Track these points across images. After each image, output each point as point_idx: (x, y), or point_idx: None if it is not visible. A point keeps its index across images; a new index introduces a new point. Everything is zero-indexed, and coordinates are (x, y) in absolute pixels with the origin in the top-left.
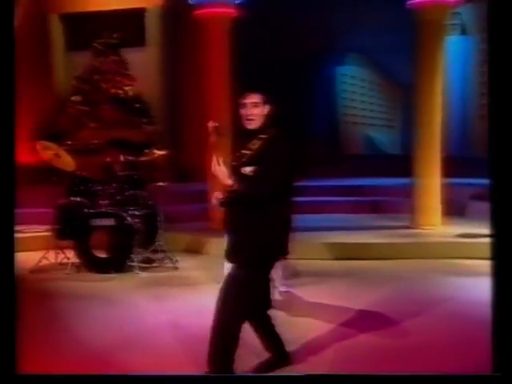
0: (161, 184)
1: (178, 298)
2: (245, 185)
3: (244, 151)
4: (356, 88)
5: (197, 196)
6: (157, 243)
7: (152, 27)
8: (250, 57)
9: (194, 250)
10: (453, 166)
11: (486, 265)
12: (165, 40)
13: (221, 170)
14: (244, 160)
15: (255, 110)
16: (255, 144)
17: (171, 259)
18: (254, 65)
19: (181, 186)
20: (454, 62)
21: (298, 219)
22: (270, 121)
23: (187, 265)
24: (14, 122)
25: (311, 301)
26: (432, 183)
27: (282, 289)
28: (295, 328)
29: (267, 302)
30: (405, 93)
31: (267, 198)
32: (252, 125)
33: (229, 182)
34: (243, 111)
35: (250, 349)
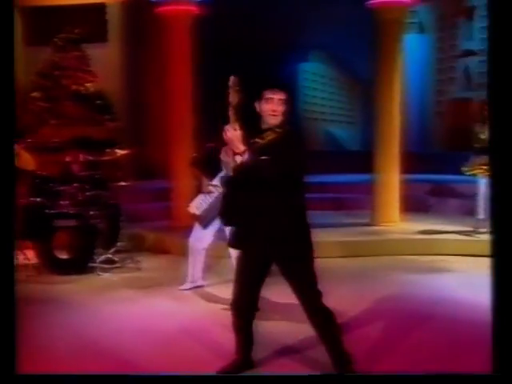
0: (123, 183)
1: (141, 301)
2: (258, 167)
3: (257, 140)
4: (317, 84)
5: (160, 194)
6: (119, 243)
7: (114, 23)
8: (212, 54)
9: (157, 250)
10: (411, 161)
11: (444, 260)
12: (127, 36)
13: (236, 134)
14: (257, 147)
15: (280, 107)
16: (269, 135)
17: (134, 260)
18: (217, 62)
19: (143, 184)
20: (411, 59)
21: None
22: (286, 119)
23: (150, 265)
24: (14, 123)
25: (272, 300)
26: (391, 179)
27: None
28: (257, 329)
29: (257, 304)
30: (365, 89)
31: (278, 185)
32: (275, 120)
33: (242, 147)
34: (269, 106)
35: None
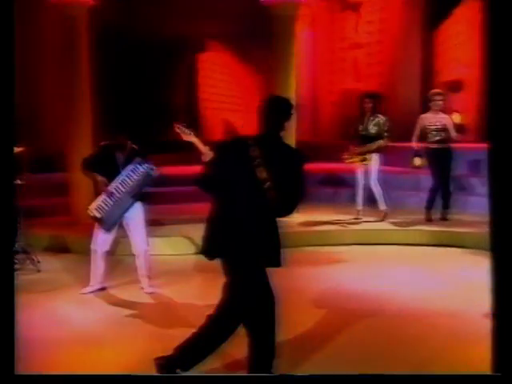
0: (19, 182)
1: (42, 305)
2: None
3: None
4: (216, 74)
5: (57, 188)
6: (17, 244)
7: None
8: (110, 45)
9: (57, 249)
10: (304, 151)
11: (340, 252)
12: (21, 23)
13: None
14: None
15: None
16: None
17: (33, 261)
18: (115, 53)
19: (39, 177)
20: (305, 50)
21: (159, 210)
22: None
23: (50, 266)
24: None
25: (180, 302)
26: None
27: (149, 290)
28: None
29: None
30: (263, 79)
31: None
32: None
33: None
34: None
35: None
